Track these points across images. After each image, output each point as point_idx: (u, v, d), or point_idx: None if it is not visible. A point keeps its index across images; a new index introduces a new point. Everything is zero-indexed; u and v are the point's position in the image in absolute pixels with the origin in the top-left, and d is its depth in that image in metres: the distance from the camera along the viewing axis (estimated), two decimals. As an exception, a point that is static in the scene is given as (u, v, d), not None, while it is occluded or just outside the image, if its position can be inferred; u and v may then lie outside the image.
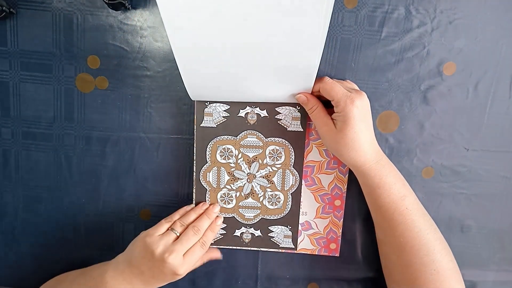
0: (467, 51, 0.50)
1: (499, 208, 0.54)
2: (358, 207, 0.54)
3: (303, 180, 0.52)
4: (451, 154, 0.53)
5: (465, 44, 0.50)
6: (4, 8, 0.47)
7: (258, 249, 0.54)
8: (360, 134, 0.44)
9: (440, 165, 0.53)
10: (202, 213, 0.51)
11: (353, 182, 0.52)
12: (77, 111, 0.52)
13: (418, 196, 0.49)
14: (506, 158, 0.53)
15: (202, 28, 0.39)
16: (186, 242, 0.47)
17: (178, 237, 0.47)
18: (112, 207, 0.55)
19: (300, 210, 0.53)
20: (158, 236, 0.46)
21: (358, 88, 0.49)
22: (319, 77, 0.46)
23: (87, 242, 0.56)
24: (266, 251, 0.55)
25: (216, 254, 0.54)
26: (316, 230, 0.54)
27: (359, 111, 0.44)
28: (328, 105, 0.47)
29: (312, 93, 0.48)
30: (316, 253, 0.54)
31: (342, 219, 0.54)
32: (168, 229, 0.48)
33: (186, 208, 0.52)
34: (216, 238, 0.54)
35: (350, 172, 0.52)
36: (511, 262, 0.56)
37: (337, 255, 0.55)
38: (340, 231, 0.54)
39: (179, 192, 0.54)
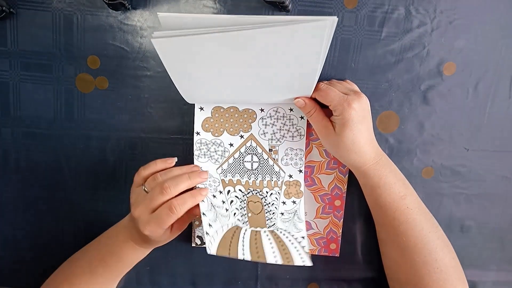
0: (467, 51, 0.50)
1: (499, 208, 0.54)
2: (358, 207, 0.54)
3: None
4: (451, 154, 0.53)
5: (465, 44, 0.50)
6: (4, 8, 0.47)
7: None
8: (359, 136, 0.44)
9: (440, 165, 0.53)
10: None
11: (353, 182, 0.52)
12: (77, 111, 0.52)
13: (418, 196, 0.49)
14: (506, 158, 0.53)
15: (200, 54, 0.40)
16: (150, 200, 0.42)
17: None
18: (112, 207, 0.55)
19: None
20: (137, 188, 0.45)
21: (358, 89, 0.49)
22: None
23: (87, 242, 0.56)
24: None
25: (196, 212, 0.46)
26: (316, 230, 0.54)
27: (356, 113, 0.43)
28: (326, 106, 0.47)
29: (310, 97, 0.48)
30: (316, 253, 0.54)
31: (342, 219, 0.54)
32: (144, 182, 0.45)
33: (173, 161, 0.47)
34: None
35: (350, 172, 0.52)
36: (511, 262, 0.56)
37: (337, 255, 0.55)
38: (340, 231, 0.54)
39: (179, 192, 0.54)
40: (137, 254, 0.48)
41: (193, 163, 0.52)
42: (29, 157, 0.53)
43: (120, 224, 0.49)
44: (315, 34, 0.36)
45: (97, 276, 0.47)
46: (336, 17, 0.35)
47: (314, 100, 0.47)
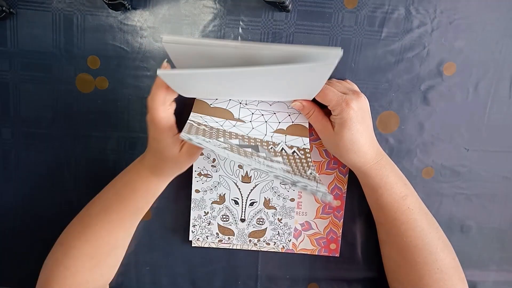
0: (467, 51, 0.50)
1: (499, 208, 0.54)
2: (358, 207, 0.54)
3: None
4: (451, 154, 0.53)
5: (465, 44, 0.50)
6: (4, 8, 0.47)
7: (258, 249, 0.54)
8: (358, 136, 0.44)
9: (440, 165, 0.53)
10: None
11: (353, 182, 0.52)
12: (77, 111, 0.52)
13: (418, 196, 0.49)
14: (506, 158, 0.53)
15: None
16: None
17: None
18: (112, 207, 0.55)
19: (300, 209, 0.53)
20: None
21: (357, 88, 0.49)
22: None
23: (87, 242, 0.56)
24: (266, 251, 0.55)
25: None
26: (316, 230, 0.54)
27: (355, 113, 0.43)
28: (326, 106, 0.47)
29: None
30: (316, 253, 0.54)
31: (342, 219, 0.54)
32: None
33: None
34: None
35: (350, 172, 0.52)
36: (511, 262, 0.56)
37: (337, 255, 0.55)
38: (340, 231, 0.54)
39: (179, 191, 0.54)
40: (151, 184, 0.47)
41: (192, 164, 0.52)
42: (29, 157, 0.53)
43: (134, 162, 0.48)
44: (321, 72, 0.37)
45: (111, 213, 0.46)
46: (340, 49, 0.36)
47: (314, 100, 0.47)
